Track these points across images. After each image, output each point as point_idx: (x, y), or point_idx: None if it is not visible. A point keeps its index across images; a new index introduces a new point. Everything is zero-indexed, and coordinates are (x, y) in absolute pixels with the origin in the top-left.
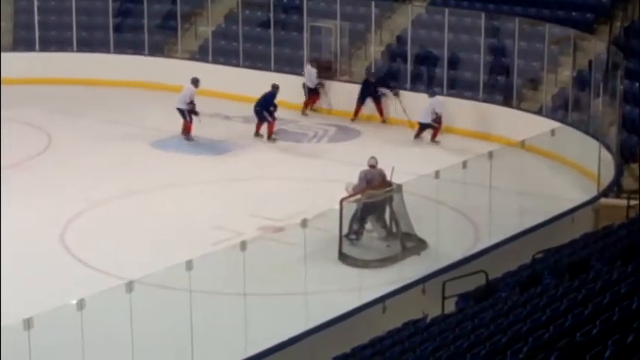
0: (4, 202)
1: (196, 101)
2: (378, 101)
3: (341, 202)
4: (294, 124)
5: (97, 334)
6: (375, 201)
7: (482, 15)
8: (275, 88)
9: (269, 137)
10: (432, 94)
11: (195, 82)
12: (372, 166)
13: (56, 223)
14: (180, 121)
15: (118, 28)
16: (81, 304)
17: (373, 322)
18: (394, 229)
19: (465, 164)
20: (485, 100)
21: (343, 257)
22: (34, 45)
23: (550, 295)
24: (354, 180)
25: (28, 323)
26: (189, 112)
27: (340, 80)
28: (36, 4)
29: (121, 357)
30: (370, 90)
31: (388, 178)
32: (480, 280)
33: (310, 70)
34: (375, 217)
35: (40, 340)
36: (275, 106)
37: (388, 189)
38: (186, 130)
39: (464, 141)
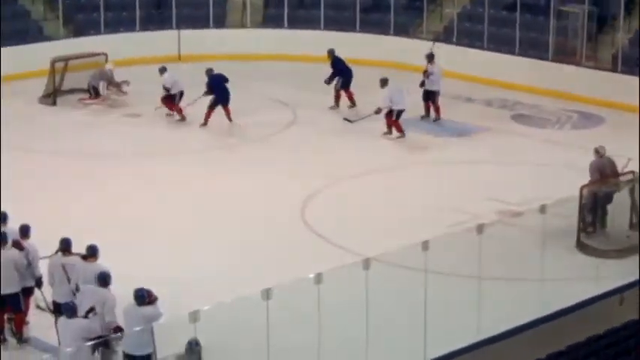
0: (246, 174)
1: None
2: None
3: (581, 189)
4: (537, 109)
5: (333, 308)
6: (608, 191)
7: None
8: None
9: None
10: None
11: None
12: (601, 156)
13: (297, 198)
14: None
15: (365, 10)
16: (318, 279)
17: (609, 313)
18: (634, 220)
19: None
20: None
21: (581, 246)
22: (283, 22)
23: None
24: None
25: (267, 294)
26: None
27: (585, 66)
28: None
29: (355, 331)
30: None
31: (623, 169)
32: None
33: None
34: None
35: (277, 310)
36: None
37: (630, 178)
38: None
39: None
